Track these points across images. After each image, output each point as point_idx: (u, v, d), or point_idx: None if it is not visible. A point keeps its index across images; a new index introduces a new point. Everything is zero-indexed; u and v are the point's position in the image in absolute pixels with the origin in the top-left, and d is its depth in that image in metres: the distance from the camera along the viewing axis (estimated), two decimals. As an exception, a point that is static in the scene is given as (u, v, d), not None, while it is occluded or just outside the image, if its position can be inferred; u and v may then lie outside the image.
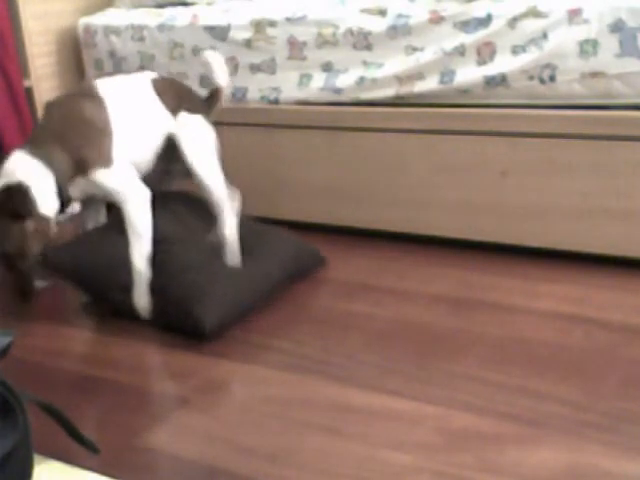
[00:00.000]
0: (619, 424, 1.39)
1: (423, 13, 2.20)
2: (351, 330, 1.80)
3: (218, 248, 2.02)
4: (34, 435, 0.94)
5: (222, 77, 2.20)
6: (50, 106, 1.95)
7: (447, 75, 2.20)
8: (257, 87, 2.49)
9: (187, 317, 1.81)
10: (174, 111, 2.04)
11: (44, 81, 2.91)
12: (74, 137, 1.85)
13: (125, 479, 1.31)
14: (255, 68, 2.50)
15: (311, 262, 2.18)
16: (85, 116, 1.88)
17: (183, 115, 2.05)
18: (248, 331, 1.84)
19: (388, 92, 2.30)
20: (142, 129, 1.99)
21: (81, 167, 1.84)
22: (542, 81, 2.07)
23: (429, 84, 2.23)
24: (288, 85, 2.43)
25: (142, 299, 1.88)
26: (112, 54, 2.80)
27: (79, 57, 2.96)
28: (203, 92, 2.31)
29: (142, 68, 2.73)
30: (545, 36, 2.03)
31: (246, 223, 2.11)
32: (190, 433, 1.47)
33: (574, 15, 1.98)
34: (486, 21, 2.11)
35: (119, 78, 2.06)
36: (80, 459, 1.07)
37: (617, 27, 1.93)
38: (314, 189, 2.18)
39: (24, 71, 2.82)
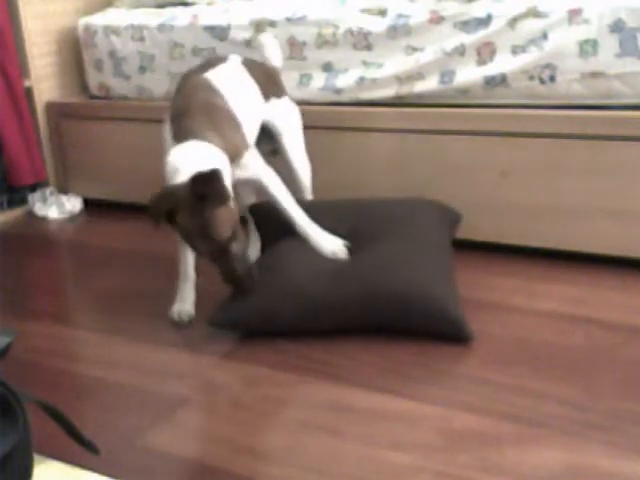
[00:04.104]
0: (619, 424, 1.39)
1: (423, 13, 2.21)
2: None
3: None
4: (34, 435, 0.94)
5: (277, 59, 2.24)
6: (183, 97, 1.85)
7: (447, 75, 2.20)
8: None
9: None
10: (266, 96, 2.07)
11: (44, 81, 2.91)
12: (222, 124, 1.80)
13: (125, 479, 1.31)
14: (255, 68, 2.50)
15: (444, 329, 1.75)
16: (220, 106, 1.84)
17: (274, 101, 2.10)
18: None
19: (388, 92, 2.30)
20: (250, 117, 1.97)
21: (234, 153, 1.80)
22: (542, 81, 2.07)
23: (429, 84, 2.23)
24: (288, 85, 2.42)
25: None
26: (112, 54, 2.80)
27: (79, 57, 2.96)
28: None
29: (142, 68, 2.74)
30: (545, 36, 2.03)
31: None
32: (190, 433, 1.46)
33: (574, 15, 1.99)
34: (486, 21, 2.11)
35: (220, 69, 1.99)
36: (80, 459, 1.08)
37: (617, 27, 1.93)
38: (314, 189, 2.17)
39: (24, 71, 2.83)
